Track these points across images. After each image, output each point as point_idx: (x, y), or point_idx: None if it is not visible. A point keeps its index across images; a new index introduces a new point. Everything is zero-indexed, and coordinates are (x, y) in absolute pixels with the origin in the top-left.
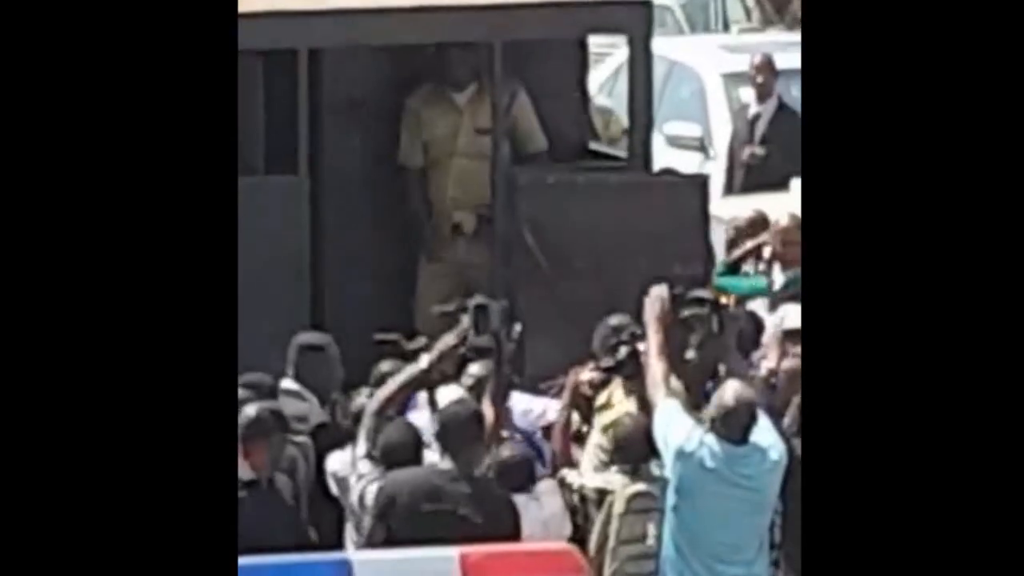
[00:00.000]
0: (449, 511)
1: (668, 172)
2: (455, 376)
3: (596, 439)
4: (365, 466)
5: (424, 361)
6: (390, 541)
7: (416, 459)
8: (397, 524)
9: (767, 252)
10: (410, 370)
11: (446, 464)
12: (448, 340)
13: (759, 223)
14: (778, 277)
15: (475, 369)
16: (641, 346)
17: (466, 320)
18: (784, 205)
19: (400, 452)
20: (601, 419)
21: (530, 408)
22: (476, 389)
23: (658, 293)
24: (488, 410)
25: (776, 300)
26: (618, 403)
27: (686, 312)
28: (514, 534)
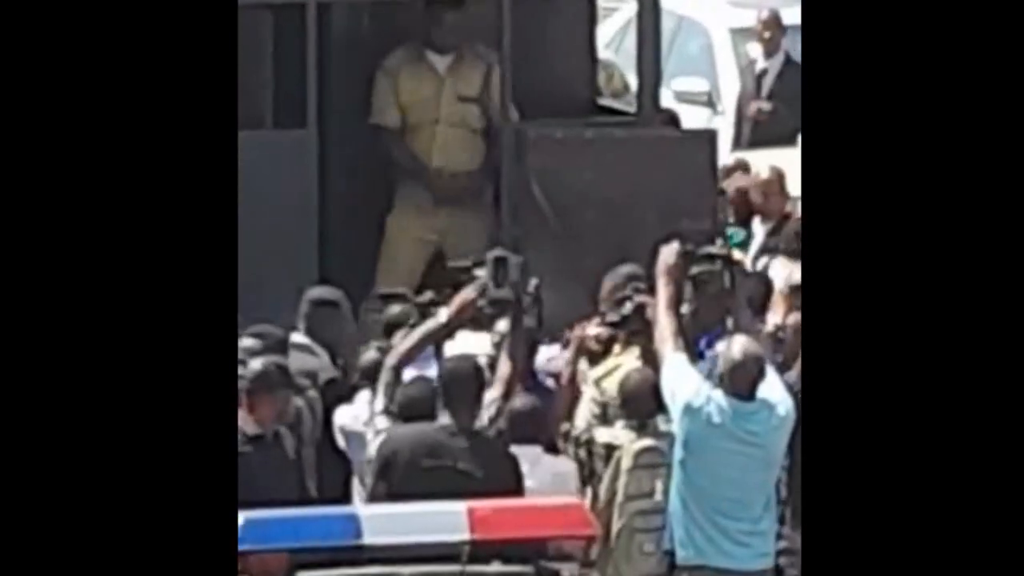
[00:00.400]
0: (449, 466)
1: (669, 114)
2: (486, 329)
3: (590, 392)
4: (383, 421)
5: (443, 315)
6: (392, 496)
7: (433, 415)
8: (398, 480)
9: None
10: (428, 324)
11: (445, 419)
12: (467, 294)
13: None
14: (758, 229)
15: (503, 325)
16: (641, 298)
17: (485, 273)
18: (791, 160)
19: (418, 407)
20: (594, 372)
21: (550, 360)
22: (502, 345)
23: (670, 249)
24: (506, 363)
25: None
26: (613, 357)
27: (697, 268)
28: (516, 488)
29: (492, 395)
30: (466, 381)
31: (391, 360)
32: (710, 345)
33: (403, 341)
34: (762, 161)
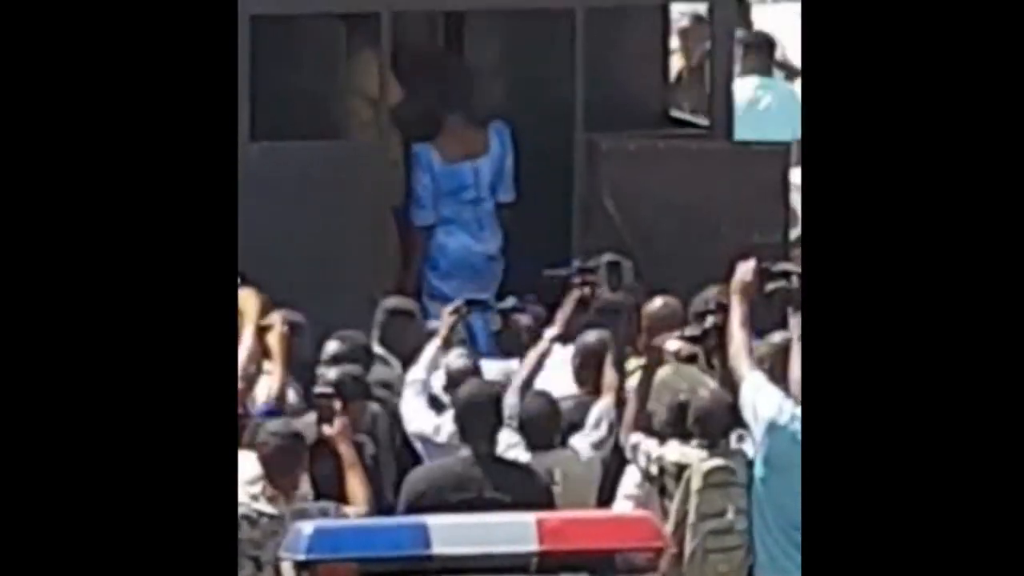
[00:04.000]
0: (476, 497)
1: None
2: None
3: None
4: (512, 436)
5: (557, 327)
6: None
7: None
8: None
9: None
10: (545, 341)
11: (464, 450)
12: (573, 301)
13: None
14: None
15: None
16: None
17: (599, 277)
18: None
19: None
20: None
21: None
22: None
23: (746, 267)
24: (611, 373)
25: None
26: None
27: (772, 285)
28: (549, 507)
29: (604, 404)
30: (483, 408)
31: (517, 381)
32: None
33: (526, 361)
34: None
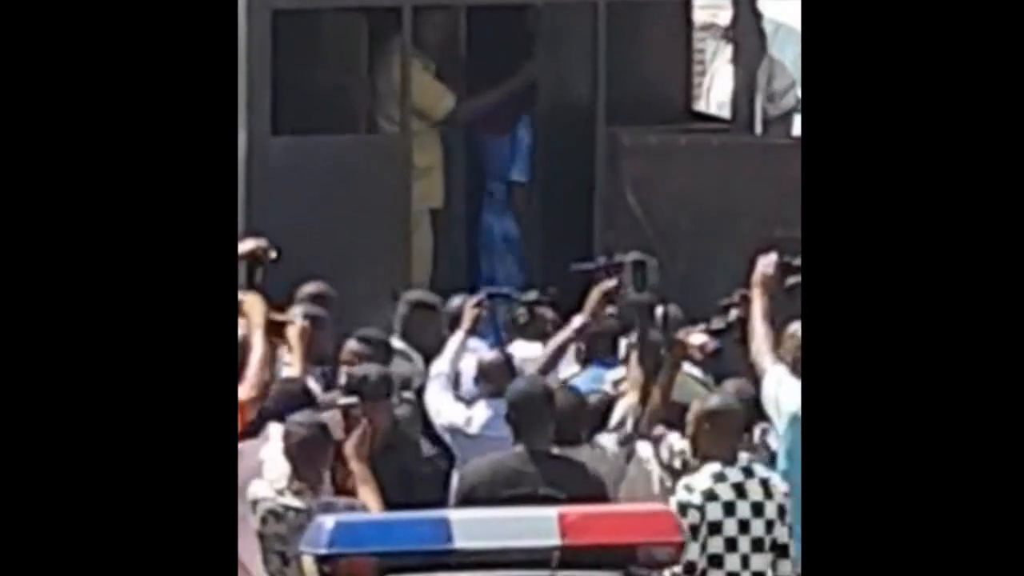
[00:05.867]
0: (530, 494)
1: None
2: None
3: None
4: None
5: (578, 321)
6: None
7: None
8: None
9: None
10: (566, 332)
11: (519, 446)
12: (597, 298)
13: None
14: None
15: None
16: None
17: (624, 277)
18: None
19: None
20: None
21: None
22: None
23: (768, 260)
24: (637, 369)
25: None
26: None
27: (793, 280)
28: (602, 500)
29: (628, 402)
30: (538, 404)
31: (536, 367)
32: None
33: (544, 353)
34: None
